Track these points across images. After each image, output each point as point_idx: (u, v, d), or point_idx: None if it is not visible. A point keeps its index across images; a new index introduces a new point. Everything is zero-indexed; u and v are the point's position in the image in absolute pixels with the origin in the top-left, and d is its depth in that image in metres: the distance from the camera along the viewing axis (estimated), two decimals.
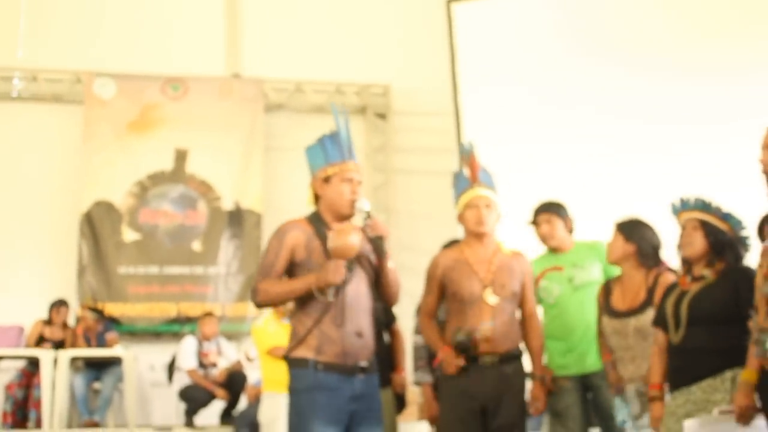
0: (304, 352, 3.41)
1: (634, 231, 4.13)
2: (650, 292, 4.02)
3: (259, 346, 5.98)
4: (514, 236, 5.30)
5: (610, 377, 4.21)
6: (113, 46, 9.83)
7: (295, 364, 3.44)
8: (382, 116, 10.34)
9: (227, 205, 9.75)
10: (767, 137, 3.17)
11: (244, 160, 9.80)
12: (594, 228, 5.14)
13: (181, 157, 9.79)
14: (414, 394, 8.20)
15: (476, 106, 8.23)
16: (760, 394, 2.99)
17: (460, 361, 3.93)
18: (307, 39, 10.00)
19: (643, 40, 7.56)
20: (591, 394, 4.51)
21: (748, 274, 3.51)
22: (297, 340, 3.43)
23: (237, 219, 9.71)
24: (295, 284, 3.43)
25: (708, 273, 3.61)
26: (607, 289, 4.26)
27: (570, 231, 4.72)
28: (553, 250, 4.70)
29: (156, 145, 9.73)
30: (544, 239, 4.70)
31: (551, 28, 7.96)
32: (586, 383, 4.48)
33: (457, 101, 8.35)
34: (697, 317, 3.54)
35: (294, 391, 3.45)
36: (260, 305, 3.55)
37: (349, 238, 3.39)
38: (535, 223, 4.71)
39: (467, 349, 3.92)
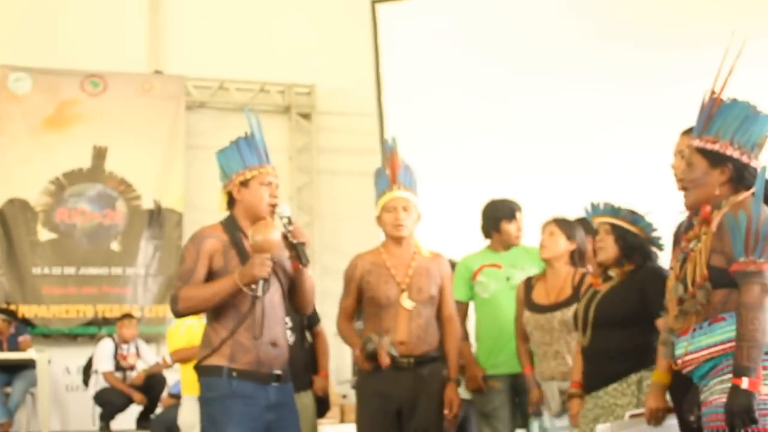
0: (217, 360, 3.33)
1: (574, 230, 4.19)
2: (576, 289, 4.07)
3: (170, 348, 5.92)
4: (435, 236, 5.34)
5: (531, 395, 4.24)
6: (30, 39, 9.53)
7: (207, 372, 3.35)
8: (306, 116, 10.28)
9: (147, 204, 9.58)
10: (680, 143, 3.22)
11: (165, 159, 9.64)
12: None
13: (99, 154, 9.58)
14: (336, 396, 8.20)
15: (400, 107, 8.24)
16: (672, 395, 3.03)
17: (370, 365, 3.93)
18: (232, 37, 9.88)
19: (564, 39, 7.66)
20: (518, 399, 4.55)
21: (656, 273, 3.57)
22: (210, 349, 3.35)
23: (157, 219, 9.55)
24: (219, 285, 3.31)
25: (616, 274, 3.67)
26: (528, 285, 4.29)
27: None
28: (495, 248, 4.75)
29: (73, 142, 9.49)
30: (505, 236, 4.74)
31: (474, 28, 8.02)
32: (515, 385, 4.50)
33: (381, 102, 8.35)
34: (602, 320, 3.59)
35: (207, 400, 3.37)
36: (181, 313, 3.43)
37: (271, 232, 3.33)
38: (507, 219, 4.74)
39: (374, 359, 3.91)
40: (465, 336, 4.71)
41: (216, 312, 3.36)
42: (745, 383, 2.48)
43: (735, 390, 2.50)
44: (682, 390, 2.87)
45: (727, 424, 2.51)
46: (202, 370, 3.38)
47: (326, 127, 10.13)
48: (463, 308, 4.73)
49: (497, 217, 4.76)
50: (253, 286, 3.27)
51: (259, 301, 3.31)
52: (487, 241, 4.84)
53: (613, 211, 3.70)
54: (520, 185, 6.77)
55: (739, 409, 2.47)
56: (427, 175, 6.10)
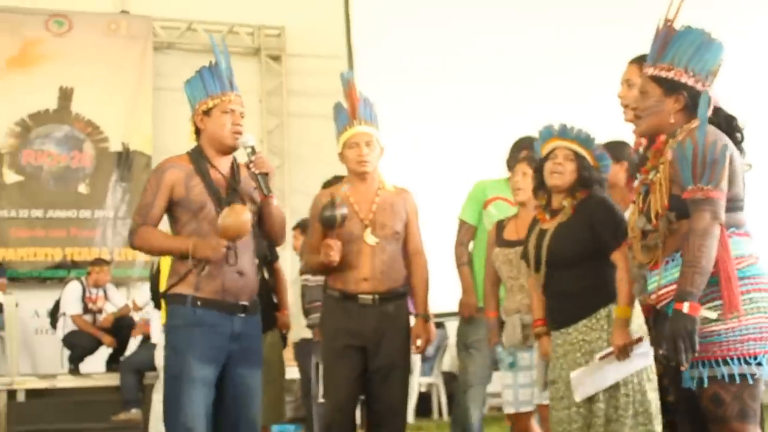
0: (182, 289, 3.31)
1: None
2: None
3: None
4: (404, 177, 5.25)
5: (490, 335, 4.20)
6: None
7: (173, 300, 3.34)
8: (276, 58, 10.12)
9: (115, 146, 9.42)
10: (627, 72, 3.20)
11: (133, 100, 9.44)
12: (483, 170, 5.13)
13: (65, 95, 9.36)
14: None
15: (370, 49, 8.09)
16: (651, 329, 2.94)
17: (336, 244, 3.80)
18: None
19: None
20: None
21: (602, 204, 3.53)
22: (177, 277, 3.33)
23: (125, 161, 9.41)
24: (173, 244, 3.36)
25: (567, 204, 3.57)
26: (500, 225, 4.24)
27: None
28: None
29: (39, 82, 9.25)
30: (519, 187, 4.60)
31: None
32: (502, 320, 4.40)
33: (351, 43, 8.19)
34: (555, 260, 3.54)
35: (171, 328, 3.36)
36: (135, 247, 3.48)
37: (242, 218, 3.26)
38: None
39: (333, 222, 3.80)
40: (468, 260, 4.71)
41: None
42: (686, 308, 2.49)
43: (676, 314, 2.50)
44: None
45: (669, 348, 2.51)
46: (168, 298, 3.38)
47: (296, 70, 9.94)
48: (471, 231, 4.75)
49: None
50: (199, 264, 3.28)
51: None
52: (507, 174, 4.69)
53: (585, 139, 3.60)
54: (489, 126, 6.67)
55: (681, 333, 2.47)
56: (396, 117, 6.02)
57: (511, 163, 4.73)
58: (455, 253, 4.76)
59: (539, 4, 7.16)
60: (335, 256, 3.80)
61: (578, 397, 3.39)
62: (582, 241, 3.48)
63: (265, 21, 9.99)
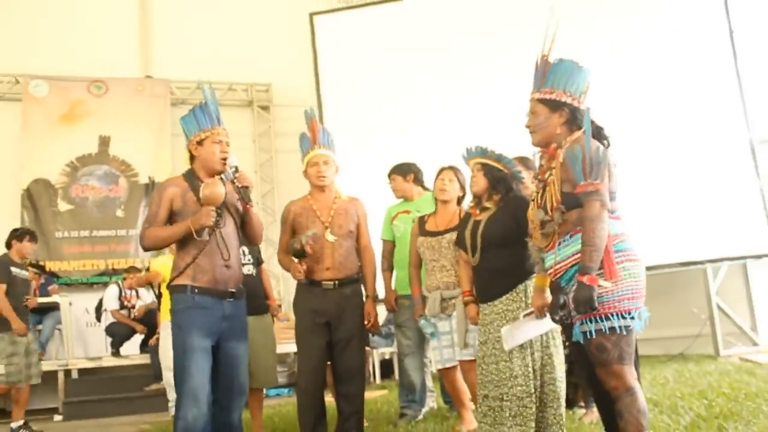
0: (182, 280, 3.21)
1: (463, 177, 4.02)
2: (461, 220, 3.91)
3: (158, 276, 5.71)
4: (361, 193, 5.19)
5: (416, 308, 4.10)
6: (46, 53, 9.21)
7: (175, 290, 3.24)
8: (265, 108, 10.06)
9: (143, 179, 9.31)
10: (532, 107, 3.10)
11: (156, 144, 9.34)
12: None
13: (104, 142, 9.24)
14: (294, 322, 8.03)
15: (335, 98, 8.06)
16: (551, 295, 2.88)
17: (302, 267, 3.75)
18: (205, 48, 9.60)
19: (472, 44, 7.47)
20: None
21: (521, 201, 3.42)
22: (177, 271, 3.23)
23: (151, 190, 9.22)
24: (176, 228, 3.23)
25: (491, 204, 3.49)
26: (421, 220, 4.14)
27: (414, 184, 4.72)
28: (405, 199, 4.70)
29: (83, 133, 9.16)
30: (394, 191, 4.72)
31: (394, 33, 7.86)
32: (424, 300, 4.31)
33: (320, 94, 8.14)
34: (488, 244, 3.44)
35: (175, 312, 3.25)
36: (146, 248, 3.35)
37: (217, 188, 3.19)
38: (390, 179, 4.73)
39: (302, 254, 3.74)
40: (390, 267, 4.57)
41: (182, 243, 3.26)
42: (586, 279, 2.44)
43: (580, 285, 2.46)
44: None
45: (575, 310, 2.49)
46: (171, 289, 3.27)
47: (281, 117, 9.88)
48: (388, 245, 4.65)
49: None
50: (201, 232, 3.20)
51: (215, 232, 3.23)
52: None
53: (482, 151, 3.53)
54: (430, 156, 6.60)
55: (583, 299, 2.43)
56: (354, 147, 5.92)
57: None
58: (381, 263, 4.61)
59: (489, 70, 7.08)
60: (301, 276, 3.78)
61: (507, 347, 3.25)
62: (508, 228, 3.37)
63: (257, 80, 9.94)
